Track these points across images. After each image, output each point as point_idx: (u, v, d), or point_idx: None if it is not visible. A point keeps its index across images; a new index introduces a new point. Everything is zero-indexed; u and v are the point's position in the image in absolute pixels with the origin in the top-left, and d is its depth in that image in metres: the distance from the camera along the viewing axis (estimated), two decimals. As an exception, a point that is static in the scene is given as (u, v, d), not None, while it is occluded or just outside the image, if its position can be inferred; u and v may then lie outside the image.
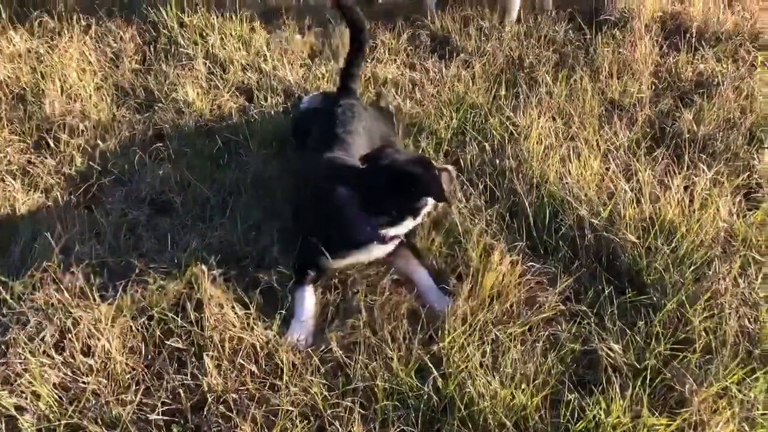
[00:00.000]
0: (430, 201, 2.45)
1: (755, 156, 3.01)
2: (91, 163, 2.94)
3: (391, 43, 3.77)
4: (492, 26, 3.86)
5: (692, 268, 2.49)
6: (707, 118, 3.19)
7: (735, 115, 3.24)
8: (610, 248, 2.60)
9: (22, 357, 2.15)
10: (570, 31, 3.78)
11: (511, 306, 2.40)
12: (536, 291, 2.47)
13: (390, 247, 2.51)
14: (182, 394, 2.12)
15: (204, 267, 2.43)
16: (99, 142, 3.03)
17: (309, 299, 2.44)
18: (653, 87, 3.45)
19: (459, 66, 3.59)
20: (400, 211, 2.41)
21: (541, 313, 2.38)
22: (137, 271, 2.45)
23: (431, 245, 2.62)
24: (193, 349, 2.26)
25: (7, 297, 2.32)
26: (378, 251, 2.50)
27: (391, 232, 2.43)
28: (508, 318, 2.38)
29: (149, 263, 2.52)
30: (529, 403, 2.11)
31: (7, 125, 3.09)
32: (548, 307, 2.40)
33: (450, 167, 2.58)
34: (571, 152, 2.99)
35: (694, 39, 3.70)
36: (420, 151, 3.04)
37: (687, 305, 2.36)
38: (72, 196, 2.77)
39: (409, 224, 2.46)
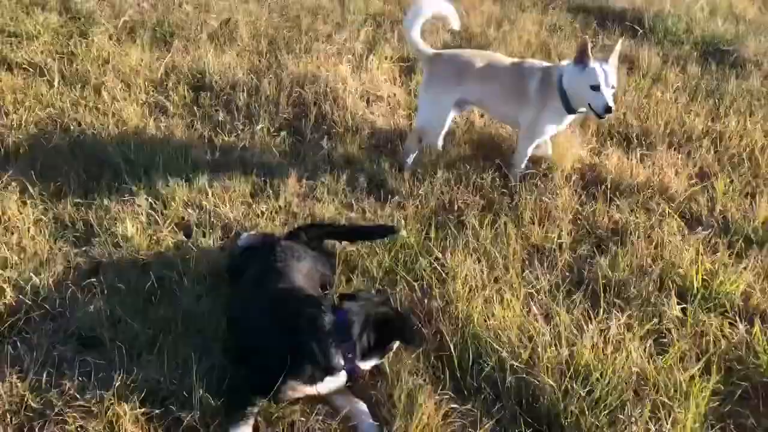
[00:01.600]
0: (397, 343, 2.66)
1: (665, 302, 3.27)
2: (21, 296, 2.98)
3: (330, 184, 4.03)
4: (425, 171, 4.18)
5: (606, 411, 2.65)
6: (621, 264, 3.48)
7: (646, 262, 3.54)
8: (530, 391, 2.75)
9: None
10: (497, 179, 4.12)
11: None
12: (459, 432, 2.58)
13: (344, 380, 2.64)
14: None
15: (126, 406, 2.46)
16: (32, 275, 3.08)
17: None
18: (572, 233, 3.75)
19: (393, 207, 3.85)
20: (371, 349, 2.63)
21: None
22: (56, 410, 2.46)
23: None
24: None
25: None
26: (339, 382, 2.63)
27: (362, 365, 2.60)
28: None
29: (70, 401, 2.53)
30: None
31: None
32: (471, 452, 2.49)
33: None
34: (495, 294, 3.19)
35: (609, 190, 4.09)
36: (351, 289, 3.20)
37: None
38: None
39: (375, 361, 2.67)
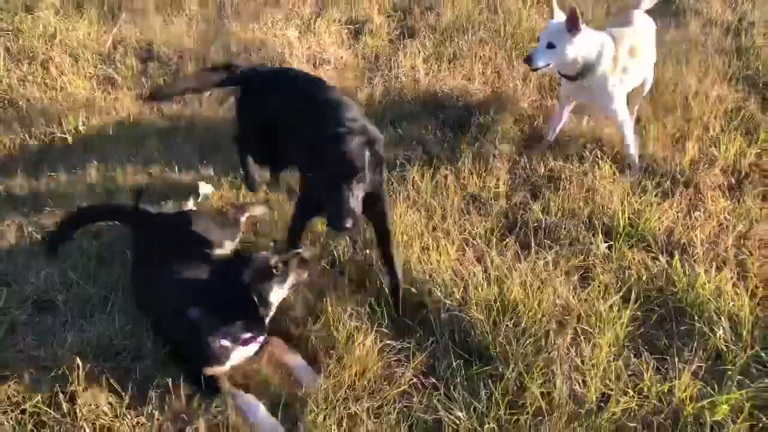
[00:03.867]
0: (276, 285, 2.71)
1: (592, 240, 3.50)
2: (-26, 266, 3.14)
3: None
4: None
5: (532, 340, 2.89)
6: (553, 209, 3.71)
7: (578, 206, 3.77)
8: (461, 326, 2.98)
9: None
10: (439, 133, 4.31)
11: (369, 382, 2.71)
12: (394, 368, 2.80)
13: (255, 345, 2.79)
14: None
15: (80, 361, 2.65)
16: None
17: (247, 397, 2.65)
18: (509, 183, 3.96)
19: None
20: (247, 312, 2.66)
21: (396, 387, 2.70)
22: (12, 369, 2.65)
23: (304, 331, 2.93)
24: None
25: None
26: (246, 352, 2.77)
27: (246, 334, 2.71)
28: (366, 393, 2.68)
29: (26, 360, 2.71)
30: (379, 470, 2.39)
31: None
32: (403, 381, 2.72)
33: (305, 252, 2.89)
34: (432, 242, 3.40)
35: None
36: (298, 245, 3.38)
37: (525, 374, 2.74)
38: (-47, 301, 2.94)
39: (265, 317, 2.72)
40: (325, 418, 2.55)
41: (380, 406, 2.63)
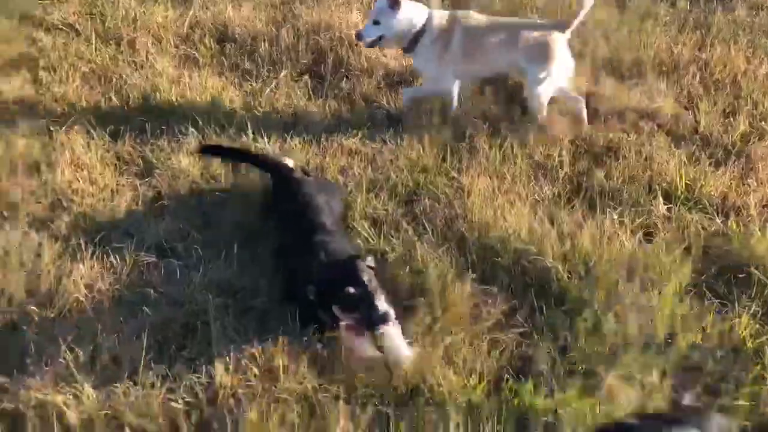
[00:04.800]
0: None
1: (653, 203, 3.87)
2: (102, 219, 3.59)
3: (352, 119, 4.60)
4: (437, 105, 4.75)
5: (603, 287, 3.27)
6: (615, 175, 4.08)
7: (637, 172, 4.13)
8: (539, 274, 3.37)
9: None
10: (502, 108, 4.69)
11: (460, 318, 3.11)
12: (481, 307, 3.20)
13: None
14: (199, 392, 2.72)
15: (209, 295, 3.09)
16: (108, 201, 3.69)
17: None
18: (571, 152, 4.33)
19: (411, 138, 4.43)
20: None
21: (484, 323, 3.11)
22: (151, 299, 3.10)
23: (397, 276, 3.33)
24: (203, 358, 2.87)
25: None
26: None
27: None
28: (458, 327, 3.08)
29: (159, 296, 3.16)
30: (477, 387, 2.80)
31: (23, 191, 3.71)
32: (490, 318, 3.12)
33: (369, 259, 3.09)
34: (506, 204, 3.80)
35: (604, 114, 4.66)
36: (381, 205, 3.79)
37: (600, 315, 3.13)
38: (89, 245, 3.38)
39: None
40: (424, 348, 2.95)
41: (474, 336, 3.03)
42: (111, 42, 5.23)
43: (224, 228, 3.61)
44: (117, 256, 3.34)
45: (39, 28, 5.32)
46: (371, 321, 2.84)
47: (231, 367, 2.81)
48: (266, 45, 5.28)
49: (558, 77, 4.43)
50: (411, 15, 4.25)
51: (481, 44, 4.35)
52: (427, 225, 3.66)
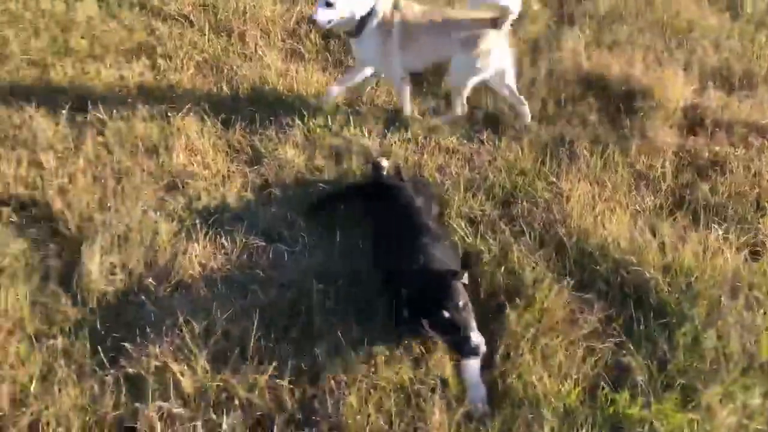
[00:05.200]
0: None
1: (761, 221, 3.77)
2: (214, 202, 3.81)
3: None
4: (536, 108, 4.76)
5: (705, 302, 3.23)
6: (720, 189, 3.99)
7: (744, 189, 4.02)
8: (638, 285, 3.35)
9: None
10: (604, 115, 4.66)
11: (557, 323, 3.14)
12: (577, 314, 3.22)
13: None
14: (304, 372, 2.87)
15: (314, 281, 3.25)
16: (220, 186, 3.91)
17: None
18: (675, 164, 4.26)
19: (509, 139, 4.46)
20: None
21: (580, 330, 3.12)
22: (259, 281, 3.28)
23: (493, 277, 3.39)
24: (307, 341, 3.02)
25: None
26: None
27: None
28: (554, 332, 3.11)
29: (267, 278, 3.34)
30: (572, 392, 2.83)
31: (143, 171, 3.98)
32: (587, 325, 3.14)
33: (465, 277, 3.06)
34: (606, 211, 3.78)
35: (710, 126, 4.55)
36: (477, 205, 3.85)
37: (700, 330, 3.09)
38: (202, 225, 3.60)
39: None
40: (519, 349, 3.00)
41: (570, 341, 3.05)
42: (223, 34, 5.48)
43: (328, 217, 3.76)
44: (228, 238, 3.54)
45: (157, 18, 5.63)
46: (462, 351, 2.87)
47: (332, 351, 2.95)
48: (369, 42, 5.41)
49: (486, 73, 4.40)
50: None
51: (418, 35, 4.31)
52: (524, 228, 3.69)
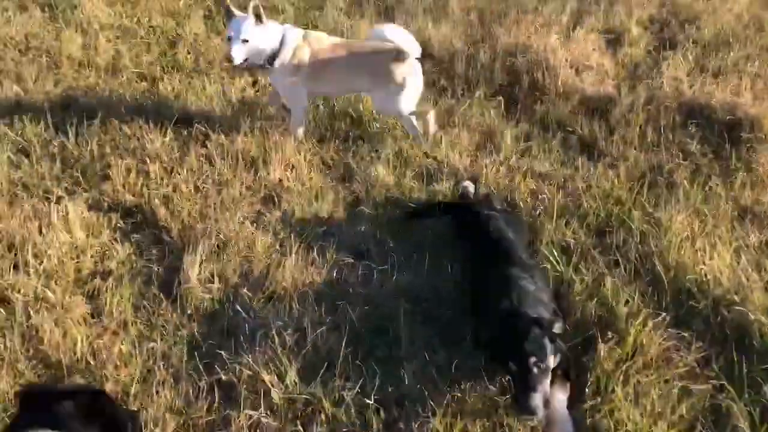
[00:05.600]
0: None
1: None
2: (306, 217, 3.91)
3: (544, 144, 4.62)
4: (634, 135, 4.64)
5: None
6: (836, 230, 3.75)
7: None
8: (740, 325, 3.19)
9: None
10: (706, 145, 4.49)
11: (651, 360, 3.04)
12: (673, 352, 3.10)
13: None
14: (390, 393, 2.90)
15: (402, 300, 3.27)
16: (313, 201, 4.01)
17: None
18: (785, 199, 4.05)
19: (605, 166, 4.36)
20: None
21: (676, 369, 3.00)
22: (349, 298, 3.34)
23: (585, 308, 3.31)
24: (393, 360, 3.05)
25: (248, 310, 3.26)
26: None
27: None
28: (647, 370, 3.01)
29: (356, 295, 3.40)
30: (666, 433, 2.73)
31: (242, 183, 4.13)
32: (683, 365, 3.01)
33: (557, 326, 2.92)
34: (706, 246, 3.63)
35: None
36: (570, 233, 3.78)
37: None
38: (295, 240, 3.71)
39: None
40: (609, 385, 2.92)
41: (665, 381, 2.94)
42: (319, 52, 5.63)
43: (416, 237, 3.79)
44: (319, 254, 3.63)
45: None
46: (517, 407, 2.76)
47: (418, 373, 2.96)
48: (463, 63, 5.44)
49: (408, 100, 4.37)
50: (273, 31, 4.26)
51: (329, 66, 4.31)
52: (619, 259, 3.60)
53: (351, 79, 4.42)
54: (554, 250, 3.64)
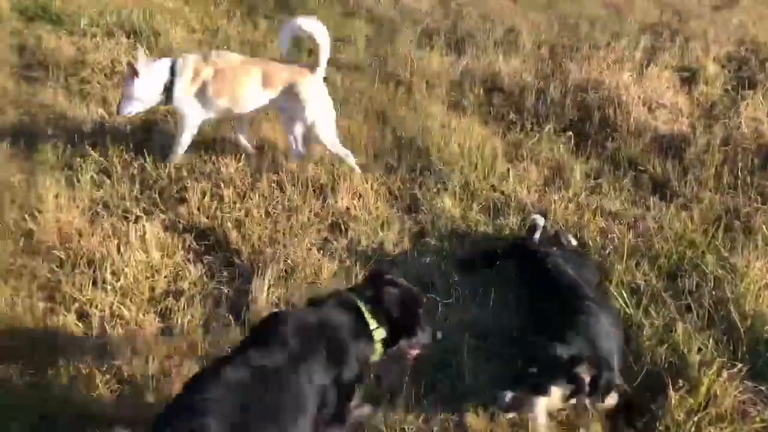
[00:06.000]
0: None
1: None
2: (372, 246, 3.96)
3: (615, 182, 4.55)
4: (709, 176, 4.52)
5: None
6: None
7: None
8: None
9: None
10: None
11: (725, 412, 2.92)
12: (749, 406, 2.97)
13: None
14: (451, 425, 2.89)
15: (467, 335, 3.27)
16: (379, 231, 4.05)
17: None
18: None
19: (677, 207, 4.26)
20: None
21: (753, 424, 2.88)
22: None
23: (655, 353, 3.22)
24: (455, 395, 3.04)
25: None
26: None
27: None
28: (721, 422, 2.89)
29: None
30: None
31: (311, 210, 4.21)
32: (760, 420, 2.89)
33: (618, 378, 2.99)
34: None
35: None
36: (641, 275, 3.70)
37: None
38: (360, 268, 3.75)
39: None
40: (681, 433, 2.82)
41: (736, 437, 2.83)
42: (390, 83, 5.73)
43: (482, 271, 3.78)
44: (384, 284, 3.65)
45: (331, 66, 5.98)
46: None
47: (480, 411, 2.94)
48: (533, 98, 5.44)
49: (314, 117, 4.39)
50: (153, 75, 4.27)
51: (233, 85, 4.32)
52: (691, 304, 3.50)
53: (257, 97, 4.42)
54: (623, 292, 3.57)
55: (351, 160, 4.54)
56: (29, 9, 6.48)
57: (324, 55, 4.38)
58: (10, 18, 6.33)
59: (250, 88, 4.39)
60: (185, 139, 4.50)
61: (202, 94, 4.37)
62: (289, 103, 4.41)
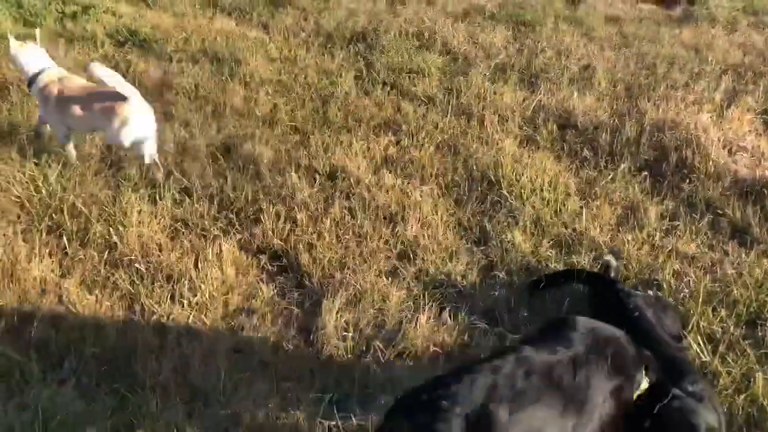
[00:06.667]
0: None
1: None
2: (440, 276, 3.99)
3: (691, 225, 4.45)
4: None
5: None
6: None
7: None
8: None
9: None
10: None
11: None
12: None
13: None
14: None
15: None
16: (448, 261, 4.09)
17: None
18: None
19: (758, 254, 4.14)
20: None
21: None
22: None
23: (733, 404, 3.12)
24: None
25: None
26: None
27: None
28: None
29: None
30: None
31: (380, 237, 4.29)
32: None
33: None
34: None
35: None
36: (718, 321, 3.60)
37: None
38: (428, 298, 3.79)
39: None
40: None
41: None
42: (463, 116, 5.80)
43: (551, 307, 3.76)
44: (451, 315, 3.68)
45: (405, 98, 6.11)
46: None
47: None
48: (607, 136, 5.40)
49: (131, 134, 4.57)
50: (25, 57, 4.77)
51: (70, 105, 4.63)
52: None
53: (88, 118, 4.67)
54: (699, 337, 3.48)
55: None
56: (120, 34, 6.89)
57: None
58: (103, 42, 6.74)
59: (79, 112, 4.68)
60: (58, 133, 4.87)
61: (46, 105, 4.77)
62: (107, 123, 4.68)
